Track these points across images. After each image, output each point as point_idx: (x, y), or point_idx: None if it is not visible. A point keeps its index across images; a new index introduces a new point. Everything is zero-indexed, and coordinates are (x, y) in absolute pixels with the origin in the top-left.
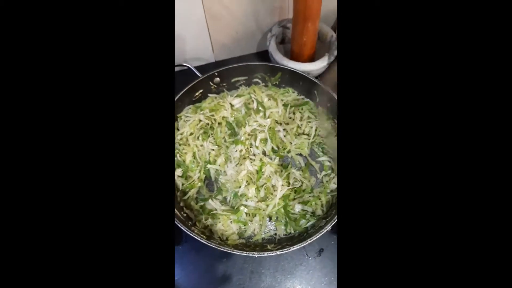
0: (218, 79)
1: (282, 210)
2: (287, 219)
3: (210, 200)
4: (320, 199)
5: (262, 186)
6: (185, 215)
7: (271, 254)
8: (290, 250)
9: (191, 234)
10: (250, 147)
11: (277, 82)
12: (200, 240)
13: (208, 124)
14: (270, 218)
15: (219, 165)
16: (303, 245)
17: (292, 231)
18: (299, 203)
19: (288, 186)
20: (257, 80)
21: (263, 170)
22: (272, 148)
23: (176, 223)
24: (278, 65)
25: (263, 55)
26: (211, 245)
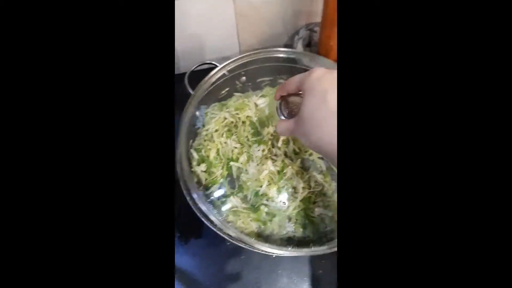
0: (244, 78)
1: (302, 212)
2: (307, 222)
3: (231, 197)
4: None
5: (283, 187)
6: (207, 209)
7: (292, 255)
8: (311, 253)
9: (213, 229)
10: (272, 148)
11: None
12: (221, 235)
13: (232, 122)
14: (289, 220)
15: (242, 163)
16: (324, 249)
17: (311, 235)
18: (319, 206)
19: (309, 189)
20: (282, 81)
21: (284, 171)
22: (294, 149)
23: (199, 215)
24: (304, 67)
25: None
26: (233, 241)
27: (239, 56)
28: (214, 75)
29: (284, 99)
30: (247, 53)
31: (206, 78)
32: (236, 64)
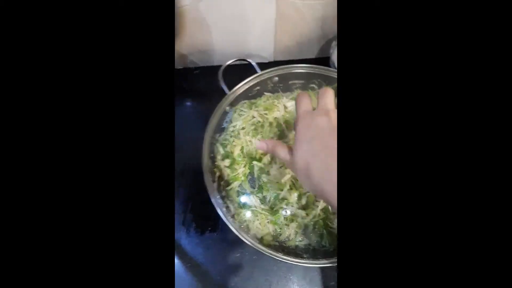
0: (276, 78)
1: (321, 222)
2: (325, 232)
3: (251, 196)
4: None
5: (305, 194)
6: (225, 205)
7: (308, 265)
8: (329, 265)
9: (230, 226)
10: None
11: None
12: (238, 234)
13: (259, 121)
14: (307, 228)
15: (264, 164)
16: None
17: (328, 245)
18: None
19: None
20: (313, 85)
21: None
22: None
23: (217, 210)
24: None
25: (322, 61)
26: (247, 242)
27: (279, 67)
28: (251, 81)
29: None
30: (285, 66)
31: (243, 82)
32: (266, 63)
